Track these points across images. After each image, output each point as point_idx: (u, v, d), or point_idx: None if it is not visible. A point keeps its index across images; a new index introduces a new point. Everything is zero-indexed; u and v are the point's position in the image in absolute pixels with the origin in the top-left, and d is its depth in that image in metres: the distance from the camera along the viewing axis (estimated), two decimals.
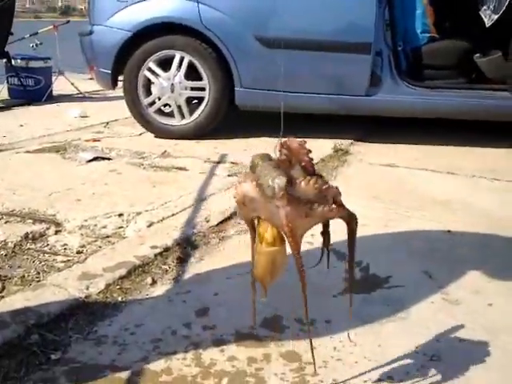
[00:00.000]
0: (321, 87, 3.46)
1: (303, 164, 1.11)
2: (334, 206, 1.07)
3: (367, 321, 1.53)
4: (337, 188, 1.10)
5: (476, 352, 1.39)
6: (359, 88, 3.40)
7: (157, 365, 1.33)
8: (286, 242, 1.12)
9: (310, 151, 1.12)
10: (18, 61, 5.40)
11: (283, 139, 1.14)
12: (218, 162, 3.07)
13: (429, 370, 1.31)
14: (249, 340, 1.44)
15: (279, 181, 1.02)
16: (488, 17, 3.55)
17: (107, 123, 4.21)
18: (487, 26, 3.51)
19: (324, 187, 1.05)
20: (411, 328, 1.50)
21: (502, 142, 3.55)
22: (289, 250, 1.13)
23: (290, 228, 1.04)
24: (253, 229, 1.19)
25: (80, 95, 5.75)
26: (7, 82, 5.51)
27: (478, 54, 3.62)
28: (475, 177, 2.90)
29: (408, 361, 1.35)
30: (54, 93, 5.61)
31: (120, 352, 1.38)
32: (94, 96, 5.82)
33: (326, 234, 1.21)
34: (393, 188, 2.69)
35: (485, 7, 3.55)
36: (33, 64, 5.41)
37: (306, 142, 1.12)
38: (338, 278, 1.76)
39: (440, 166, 3.06)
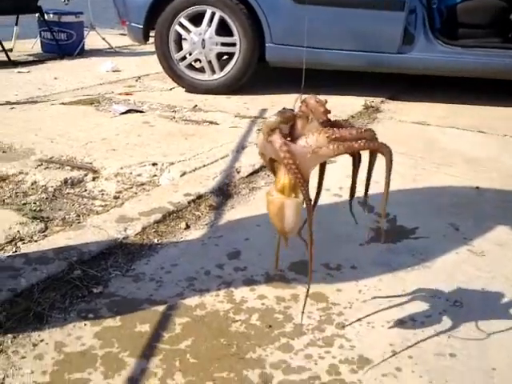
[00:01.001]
0: (352, 44, 3.43)
1: (321, 121, 1.14)
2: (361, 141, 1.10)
3: (392, 268, 1.58)
4: (365, 130, 1.13)
5: (497, 300, 1.44)
6: (392, 45, 3.37)
7: (191, 300, 1.41)
8: (300, 193, 1.14)
9: (328, 110, 1.14)
10: (51, 15, 5.44)
11: (304, 96, 1.17)
12: (248, 117, 3.10)
13: (450, 314, 1.37)
14: (278, 281, 1.50)
15: (269, 120, 1.08)
16: None
17: (139, 77, 4.26)
18: None
19: (335, 135, 1.08)
20: (435, 276, 1.54)
21: None
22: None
23: (287, 159, 1.07)
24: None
25: (111, 50, 5.79)
26: (40, 36, 5.58)
27: None
28: (507, 136, 2.88)
29: (431, 305, 1.41)
30: (86, 47, 5.66)
31: (157, 288, 1.46)
32: (125, 51, 5.86)
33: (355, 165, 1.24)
34: (422, 145, 2.69)
35: None
36: (65, 18, 5.45)
37: (326, 100, 1.14)
38: (364, 228, 1.81)
39: (471, 125, 3.05)
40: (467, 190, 2.16)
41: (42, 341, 1.26)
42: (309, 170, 1.12)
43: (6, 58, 4.87)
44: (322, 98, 1.13)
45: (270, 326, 1.32)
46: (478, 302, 1.43)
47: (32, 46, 5.77)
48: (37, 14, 5.40)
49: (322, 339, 1.28)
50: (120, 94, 3.63)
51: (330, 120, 1.15)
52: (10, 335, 1.26)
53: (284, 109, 1.13)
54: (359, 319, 1.34)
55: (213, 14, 3.51)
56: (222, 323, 1.33)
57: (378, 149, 1.14)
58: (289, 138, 1.10)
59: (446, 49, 3.35)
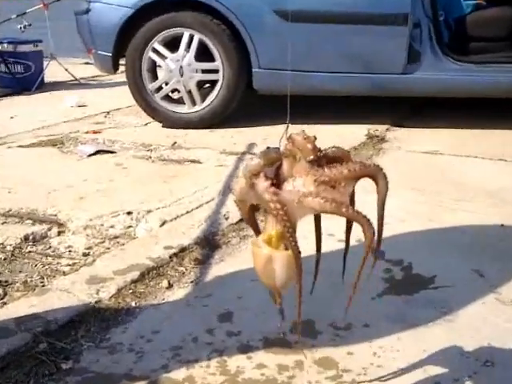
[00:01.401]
0: (351, 66, 3.51)
1: (309, 159, 1.16)
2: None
3: (411, 324, 1.58)
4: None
5: None
6: (395, 65, 3.44)
7: (178, 373, 1.40)
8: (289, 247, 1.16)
9: (317, 148, 1.17)
10: (5, 45, 5.53)
11: (290, 131, 1.19)
12: (236, 154, 3.13)
13: (482, 376, 1.36)
14: (278, 346, 1.50)
15: (251, 162, 1.09)
16: None
17: (108, 112, 4.32)
18: None
19: (323, 178, 1.10)
20: (460, 331, 1.54)
21: None
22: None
23: (275, 204, 1.09)
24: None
25: (75, 82, 5.87)
26: None
27: None
28: None
29: (458, 366, 1.40)
30: (46, 80, 5.74)
31: (137, 360, 1.45)
32: (91, 82, 5.94)
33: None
34: (436, 178, 2.73)
35: None
36: (21, 48, 5.53)
37: (315, 137, 1.16)
38: (376, 278, 1.82)
39: (490, 152, 3.10)
40: (491, 229, 2.18)
41: None
42: (298, 218, 1.14)
43: None
44: (310, 133, 1.16)
45: None
46: None
47: None
48: None
49: None
50: (87, 132, 3.67)
51: (320, 157, 1.17)
52: None
53: (268, 148, 1.14)
54: None
55: (191, 37, 3.58)
56: None
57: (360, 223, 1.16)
58: (275, 181, 1.12)
59: (457, 66, 3.43)
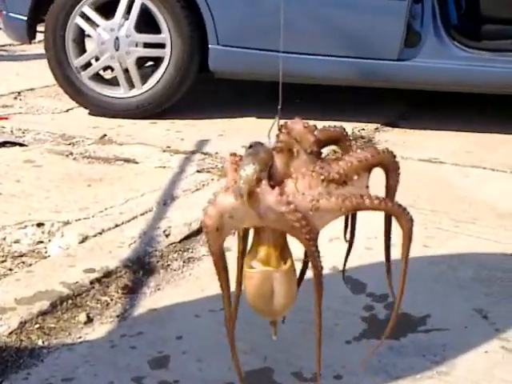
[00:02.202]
0: (336, 47, 3.57)
1: (309, 151, 1.18)
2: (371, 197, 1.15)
3: (395, 377, 1.61)
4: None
5: None
6: (389, 49, 3.51)
7: None
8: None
9: (319, 139, 1.19)
10: None
11: (282, 121, 1.21)
12: (183, 152, 3.16)
13: None
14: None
15: (245, 173, 1.08)
16: None
17: (19, 93, 4.32)
18: None
19: (332, 175, 1.12)
20: None
21: None
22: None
23: (296, 218, 1.10)
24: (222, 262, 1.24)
25: None
26: None
27: None
28: None
29: None
30: None
31: None
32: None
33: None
34: (436, 194, 2.78)
35: None
36: None
37: (315, 126, 1.19)
38: (354, 317, 1.85)
39: (503, 163, 3.17)
40: (500, 259, 2.24)
41: None
42: (319, 228, 1.16)
43: None
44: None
45: None
46: None
47: None
48: None
49: None
50: None
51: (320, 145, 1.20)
52: None
53: (253, 145, 1.15)
54: None
55: (131, 2, 3.60)
56: None
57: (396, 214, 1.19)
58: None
59: (466, 53, 3.51)
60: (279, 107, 1.25)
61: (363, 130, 3.62)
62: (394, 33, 3.48)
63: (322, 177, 1.13)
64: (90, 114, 3.77)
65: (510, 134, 3.64)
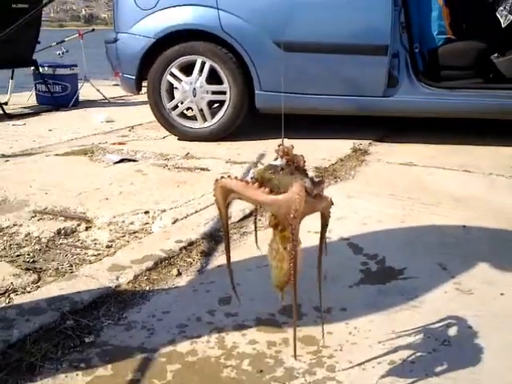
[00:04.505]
0: (338, 89, 3.53)
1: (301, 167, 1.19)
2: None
3: (382, 309, 1.60)
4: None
5: (485, 338, 1.45)
6: (376, 89, 3.47)
7: (183, 347, 1.42)
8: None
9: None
10: (46, 68, 5.58)
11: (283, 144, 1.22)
12: (239, 163, 3.16)
13: (439, 354, 1.38)
14: (269, 326, 1.52)
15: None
16: (504, 17, 3.59)
17: (132, 127, 4.35)
18: (503, 26, 3.56)
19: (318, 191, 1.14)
20: (424, 316, 1.56)
21: None
22: None
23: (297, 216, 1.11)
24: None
25: (105, 101, 5.92)
26: (35, 88, 5.70)
27: (495, 55, 3.67)
28: (492, 174, 2.93)
29: (420, 345, 1.42)
30: (81, 98, 5.79)
31: (148, 336, 1.47)
32: (118, 101, 5.98)
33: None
34: (410, 186, 2.74)
35: (501, 8, 3.59)
36: (59, 71, 5.59)
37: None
38: (354, 269, 1.84)
39: (457, 164, 3.11)
40: (454, 229, 2.19)
41: None
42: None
43: (1, 112, 4.98)
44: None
45: (261, 371, 1.33)
46: (467, 340, 1.44)
47: (27, 99, 5.90)
48: (32, 68, 5.54)
49: (312, 382, 1.29)
50: (113, 143, 3.69)
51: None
52: None
53: (271, 165, 1.16)
54: (350, 362, 1.35)
55: (203, 64, 3.62)
56: (214, 369, 1.34)
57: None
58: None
59: (429, 91, 3.45)
60: (282, 136, 1.25)
61: (361, 144, 3.58)
62: (379, 78, 3.44)
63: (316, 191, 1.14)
64: (178, 139, 3.79)
65: (460, 145, 3.56)
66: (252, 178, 1.14)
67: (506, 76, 3.62)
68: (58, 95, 5.56)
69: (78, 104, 5.67)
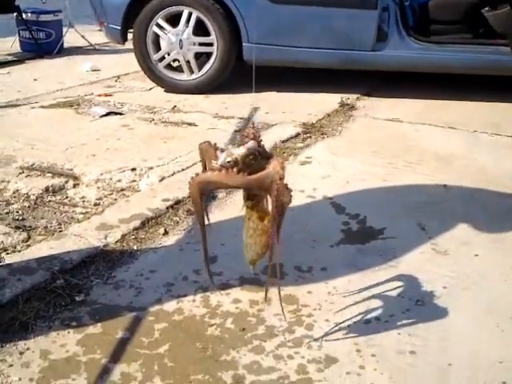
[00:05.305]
0: (327, 42, 3.50)
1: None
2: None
3: (360, 268, 1.67)
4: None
5: (457, 298, 1.54)
6: (366, 43, 3.44)
7: (169, 306, 1.49)
8: None
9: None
10: (29, 14, 5.43)
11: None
12: (226, 117, 3.17)
13: (412, 313, 1.46)
14: (251, 285, 1.59)
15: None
16: None
17: (118, 77, 4.30)
18: None
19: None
20: (400, 276, 1.64)
21: (507, 95, 3.59)
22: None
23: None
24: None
25: (90, 47, 5.80)
26: (19, 35, 5.56)
27: (486, 8, 3.64)
28: (477, 132, 2.98)
29: (395, 305, 1.50)
30: (66, 45, 5.67)
31: (136, 295, 1.54)
32: (104, 48, 5.86)
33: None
34: (395, 143, 2.78)
35: None
36: (43, 17, 5.44)
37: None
38: (335, 229, 1.90)
39: (443, 121, 3.14)
40: (435, 189, 2.25)
41: (28, 349, 1.33)
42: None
43: None
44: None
45: (244, 329, 1.41)
46: (439, 300, 1.53)
47: (11, 44, 5.76)
48: (15, 14, 5.39)
49: (291, 340, 1.37)
50: (99, 95, 3.67)
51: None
52: None
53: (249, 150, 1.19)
54: (327, 321, 1.43)
55: (190, 15, 3.56)
56: (199, 328, 1.41)
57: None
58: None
59: (419, 45, 3.44)
60: (253, 89, 1.29)
61: (348, 99, 3.58)
62: (369, 32, 3.41)
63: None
64: (165, 91, 3.77)
65: (448, 100, 3.58)
66: (229, 163, 1.16)
67: (497, 30, 3.61)
68: (43, 42, 5.43)
69: (63, 51, 5.56)
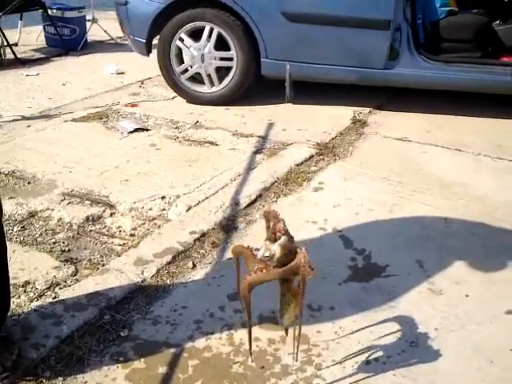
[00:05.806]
0: (341, 60, 3.66)
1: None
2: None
3: (364, 308, 1.91)
4: None
5: (446, 340, 1.78)
6: (378, 62, 3.60)
7: (199, 343, 1.75)
8: None
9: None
10: (54, 11, 5.63)
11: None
12: (246, 136, 3.38)
13: (407, 355, 1.71)
14: (269, 323, 1.84)
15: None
16: None
17: (142, 82, 4.53)
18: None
19: None
20: (398, 316, 1.87)
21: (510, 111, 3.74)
22: None
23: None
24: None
25: (112, 41, 6.00)
26: (44, 30, 5.77)
27: (497, 22, 3.78)
28: (480, 155, 3.15)
29: (392, 346, 1.75)
30: (89, 39, 5.87)
31: (171, 331, 1.80)
32: (124, 42, 6.02)
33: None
34: (403, 167, 2.96)
35: None
36: (68, 14, 5.65)
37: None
38: (343, 265, 2.14)
39: (449, 141, 3.31)
40: (436, 222, 2.44)
41: (85, 382, 1.61)
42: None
43: (12, 56, 5.10)
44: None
45: (263, 367, 1.67)
46: (432, 342, 1.77)
47: (36, 37, 5.97)
48: (40, 10, 5.58)
49: (303, 379, 1.63)
50: (126, 105, 3.90)
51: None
52: (60, 378, 1.62)
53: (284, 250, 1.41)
54: (333, 361, 1.69)
55: (211, 30, 3.74)
56: (225, 365, 1.68)
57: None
58: None
59: (429, 64, 3.59)
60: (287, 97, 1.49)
61: (361, 113, 3.78)
62: (381, 51, 3.57)
63: None
64: (187, 102, 3.98)
65: (457, 116, 3.73)
66: (267, 257, 1.39)
67: (506, 44, 3.75)
68: (67, 38, 5.65)
69: (87, 45, 5.77)
